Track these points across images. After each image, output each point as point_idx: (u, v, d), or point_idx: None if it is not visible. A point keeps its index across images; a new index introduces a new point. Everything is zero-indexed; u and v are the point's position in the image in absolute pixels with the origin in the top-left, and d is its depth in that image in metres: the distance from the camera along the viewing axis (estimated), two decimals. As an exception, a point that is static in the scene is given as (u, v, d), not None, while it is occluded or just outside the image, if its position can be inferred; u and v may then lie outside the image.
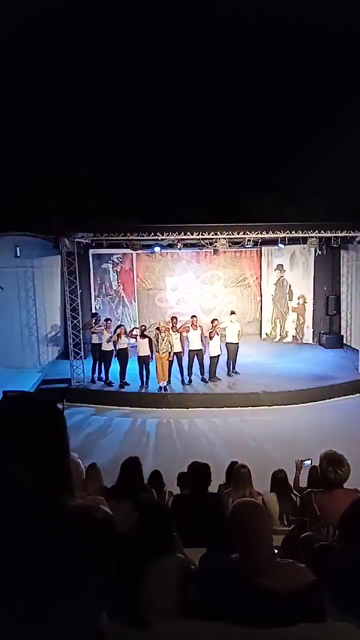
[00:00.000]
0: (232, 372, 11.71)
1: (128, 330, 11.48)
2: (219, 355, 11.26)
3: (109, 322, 11.45)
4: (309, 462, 4.45)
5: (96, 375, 11.51)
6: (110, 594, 1.09)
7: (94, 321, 11.58)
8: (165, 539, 2.19)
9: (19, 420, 1.09)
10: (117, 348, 11.03)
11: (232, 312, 11.97)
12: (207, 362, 11.26)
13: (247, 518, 1.87)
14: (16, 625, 0.97)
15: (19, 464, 1.05)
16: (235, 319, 11.71)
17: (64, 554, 1.01)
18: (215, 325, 11.03)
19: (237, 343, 11.57)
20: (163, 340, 10.56)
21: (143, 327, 11.25)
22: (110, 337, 11.01)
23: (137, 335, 10.97)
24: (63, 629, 0.99)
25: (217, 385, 11.17)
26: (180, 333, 11.08)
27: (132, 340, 11.16)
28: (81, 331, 11.64)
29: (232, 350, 11.61)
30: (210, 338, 10.95)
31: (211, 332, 10.91)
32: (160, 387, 10.86)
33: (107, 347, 11.16)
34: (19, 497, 1.03)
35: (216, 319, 11.53)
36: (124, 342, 11.01)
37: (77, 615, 1.01)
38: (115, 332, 11.01)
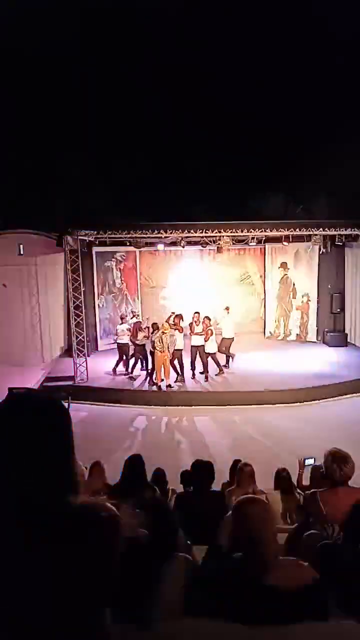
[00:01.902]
0: (224, 366, 11.84)
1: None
2: (215, 353, 11.40)
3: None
4: (311, 460, 4.45)
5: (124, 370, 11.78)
6: (114, 592, 1.09)
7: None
8: (169, 539, 2.19)
9: (25, 417, 1.09)
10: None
11: (227, 308, 12.16)
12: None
13: (251, 515, 1.87)
14: (19, 623, 0.97)
15: (24, 461, 1.05)
16: (227, 313, 12.04)
17: (67, 552, 1.01)
18: (207, 326, 11.11)
19: (232, 337, 11.82)
20: (161, 339, 10.58)
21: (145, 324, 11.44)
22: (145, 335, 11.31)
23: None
24: (67, 628, 0.99)
25: (220, 383, 11.18)
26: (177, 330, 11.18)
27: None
28: (85, 328, 11.66)
29: (227, 345, 11.79)
30: (206, 340, 11.04)
31: (205, 335, 10.99)
32: (161, 386, 10.87)
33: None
34: (24, 494, 1.03)
35: (208, 317, 11.52)
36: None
37: (80, 613, 1.01)
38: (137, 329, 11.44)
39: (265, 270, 15.20)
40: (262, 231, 12.04)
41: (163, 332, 10.59)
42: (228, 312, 12.18)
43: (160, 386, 10.86)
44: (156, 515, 2.28)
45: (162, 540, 2.16)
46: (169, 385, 10.90)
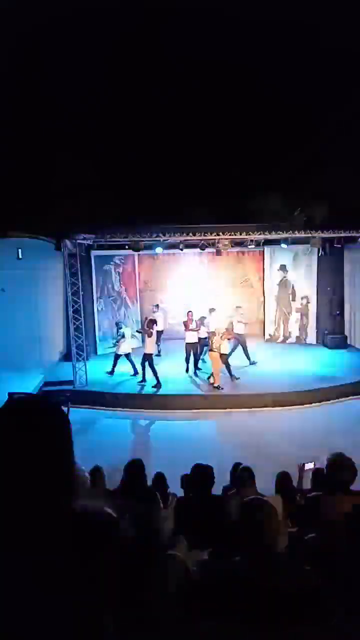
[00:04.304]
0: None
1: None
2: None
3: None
4: (312, 464, 4.44)
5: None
6: (113, 596, 1.08)
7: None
8: (159, 543, 2.19)
9: (24, 422, 1.09)
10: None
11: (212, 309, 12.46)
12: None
13: (259, 516, 1.86)
14: (19, 627, 0.96)
15: (23, 466, 1.04)
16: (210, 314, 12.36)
17: (67, 556, 1.01)
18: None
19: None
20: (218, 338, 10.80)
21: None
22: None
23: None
24: (66, 631, 0.98)
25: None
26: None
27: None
28: (84, 333, 11.66)
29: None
30: (229, 339, 11.32)
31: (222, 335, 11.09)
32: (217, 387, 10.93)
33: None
34: (22, 499, 1.03)
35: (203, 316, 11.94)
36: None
37: (80, 617, 1.00)
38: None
39: (264, 273, 15.22)
40: (260, 234, 12.07)
41: (213, 334, 10.86)
42: (210, 313, 12.44)
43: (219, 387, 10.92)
44: (145, 524, 2.28)
45: (151, 541, 2.15)
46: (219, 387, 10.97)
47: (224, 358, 11.13)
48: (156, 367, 11.12)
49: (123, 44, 12.09)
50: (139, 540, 2.14)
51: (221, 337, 10.87)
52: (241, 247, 13.44)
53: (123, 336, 11.81)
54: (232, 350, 11.94)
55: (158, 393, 10.84)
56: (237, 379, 11.28)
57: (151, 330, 11.14)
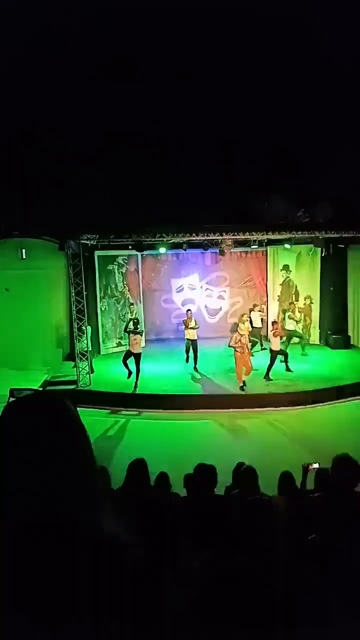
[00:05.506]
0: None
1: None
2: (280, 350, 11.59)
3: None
4: (316, 465, 4.43)
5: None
6: (118, 599, 1.07)
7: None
8: (172, 544, 2.19)
9: (34, 419, 1.03)
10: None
11: (255, 305, 13.41)
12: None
13: (259, 517, 1.87)
14: (25, 633, 0.96)
15: (34, 469, 0.97)
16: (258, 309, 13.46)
17: (72, 560, 1.00)
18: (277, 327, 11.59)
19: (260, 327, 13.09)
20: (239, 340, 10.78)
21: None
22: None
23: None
24: (71, 637, 0.98)
25: (223, 386, 11.16)
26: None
27: None
28: (87, 333, 11.67)
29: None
30: (276, 336, 11.39)
31: (275, 332, 11.33)
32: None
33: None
34: (35, 509, 0.97)
35: (276, 321, 12.11)
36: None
37: (84, 622, 1.00)
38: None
39: (267, 273, 15.19)
40: (264, 234, 12.05)
41: (240, 333, 10.76)
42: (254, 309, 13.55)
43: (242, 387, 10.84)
44: (157, 516, 2.28)
45: (167, 546, 2.15)
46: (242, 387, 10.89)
47: (275, 354, 11.32)
48: (157, 367, 11.12)
49: (123, 44, 12.12)
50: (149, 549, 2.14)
51: (273, 333, 11.24)
52: (244, 247, 13.43)
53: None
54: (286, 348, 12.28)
55: (161, 393, 10.85)
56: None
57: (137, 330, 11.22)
